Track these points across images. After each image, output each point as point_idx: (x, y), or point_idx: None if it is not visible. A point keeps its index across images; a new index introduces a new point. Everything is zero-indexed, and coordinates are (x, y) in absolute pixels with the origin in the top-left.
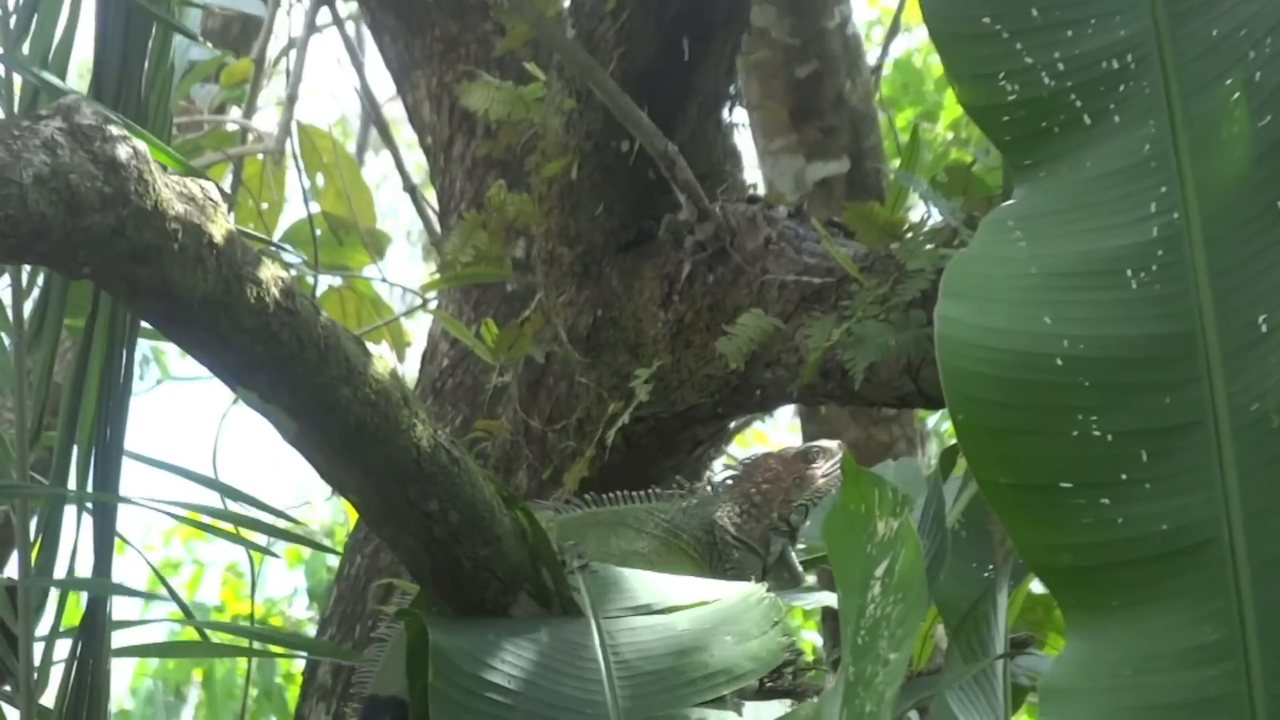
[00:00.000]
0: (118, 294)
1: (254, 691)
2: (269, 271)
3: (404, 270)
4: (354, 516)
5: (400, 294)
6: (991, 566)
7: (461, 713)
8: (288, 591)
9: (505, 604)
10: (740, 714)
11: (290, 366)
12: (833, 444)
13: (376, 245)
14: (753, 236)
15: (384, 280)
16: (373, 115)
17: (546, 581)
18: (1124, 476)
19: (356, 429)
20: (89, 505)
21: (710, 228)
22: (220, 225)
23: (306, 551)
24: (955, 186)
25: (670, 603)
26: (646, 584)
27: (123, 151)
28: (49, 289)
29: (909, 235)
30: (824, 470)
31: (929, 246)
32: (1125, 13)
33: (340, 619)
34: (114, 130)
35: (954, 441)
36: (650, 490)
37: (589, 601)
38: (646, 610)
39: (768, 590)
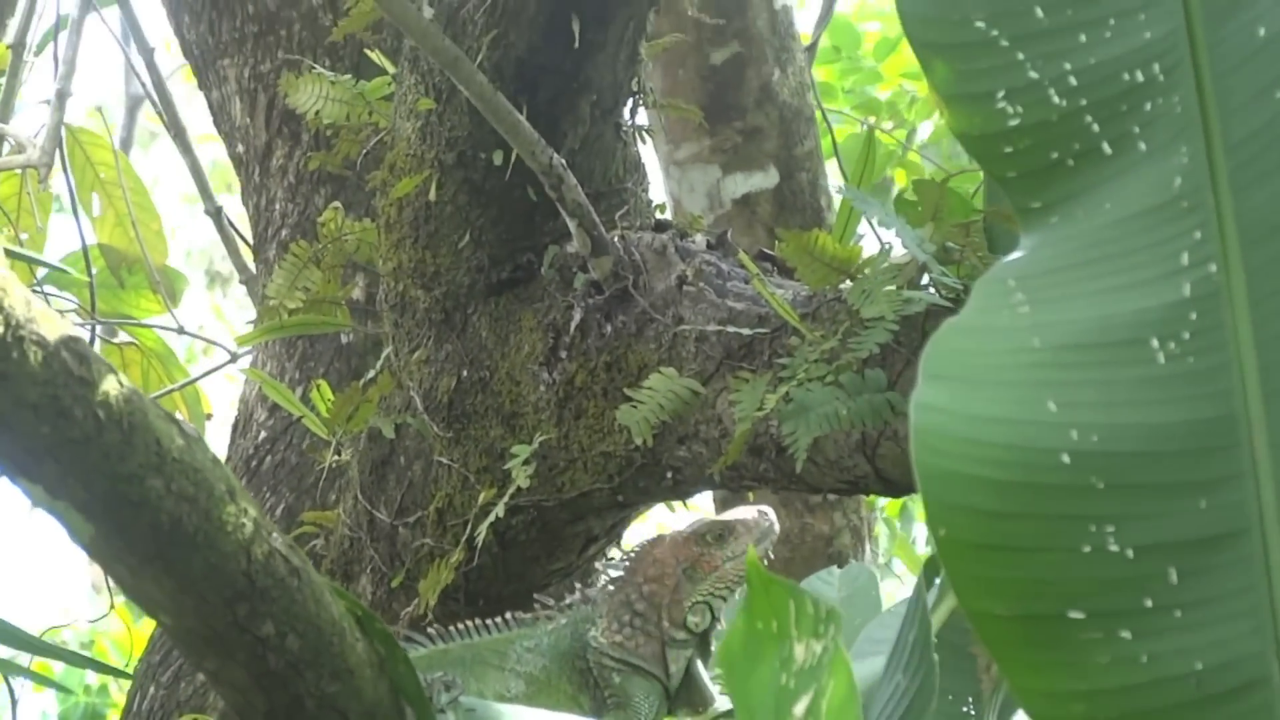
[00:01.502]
0: None
1: None
2: (57, 328)
3: (197, 314)
4: (127, 619)
5: (197, 348)
6: (972, 699)
7: None
8: None
9: None
10: None
11: (85, 452)
12: (748, 514)
13: (170, 287)
14: (662, 275)
15: (181, 331)
16: (157, 97)
17: None
18: (1149, 603)
19: (170, 532)
20: None
21: (608, 263)
22: None
23: (58, 669)
24: (925, 209)
25: None
26: None
27: None
28: None
29: (864, 273)
30: (732, 552)
31: (890, 287)
32: (1150, 9)
33: None
34: None
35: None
36: (507, 615)
37: None
38: None
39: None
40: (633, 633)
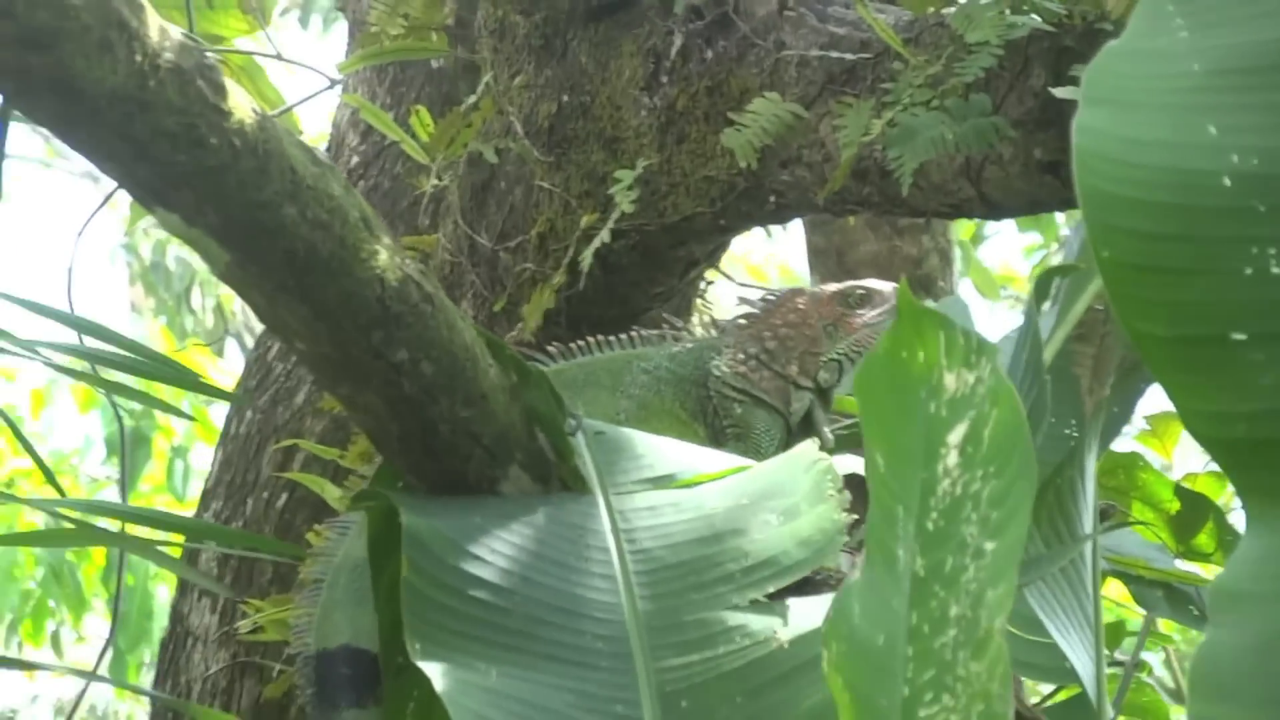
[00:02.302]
0: (4, 92)
1: (39, 572)
2: (192, 55)
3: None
4: (170, 341)
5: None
6: (1075, 422)
7: (441, 615)
8: (77, 444)
9: (493, 478)
10: (785, 616)
11: (222, 180)
12: (885, 286)
13: (261, 9)
14: (763, 0)
15: (278, 57)
16: None
17: (544, 449)
18: None
19: (305, 259)
20: None
21: None
22: None
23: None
24: None
25: (697, 471)
26: (665, 448)
27: None
28: None
29: None
30: (868, 318)
31: (994, 12)
32: None
33: (227, 490)
34: None
35: (1052, 265)
36: (631, 332)
37: (595, 474)
38: (667, 482)
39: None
40: (758, 366)
